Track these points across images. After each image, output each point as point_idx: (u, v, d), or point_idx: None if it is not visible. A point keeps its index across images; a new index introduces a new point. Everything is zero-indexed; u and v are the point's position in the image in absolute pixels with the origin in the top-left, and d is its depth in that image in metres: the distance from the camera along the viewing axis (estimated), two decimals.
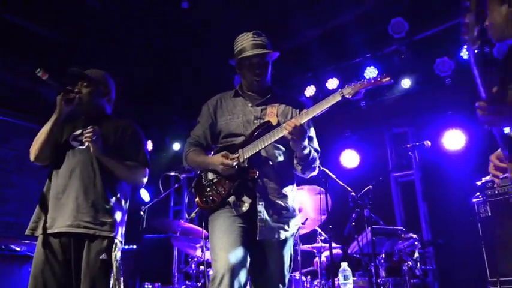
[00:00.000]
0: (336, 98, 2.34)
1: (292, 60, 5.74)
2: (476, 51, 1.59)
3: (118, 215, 2.61)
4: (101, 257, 2.46)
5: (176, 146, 7.47)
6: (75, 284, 2.44)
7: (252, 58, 2.57)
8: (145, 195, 7.46)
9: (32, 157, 2.70)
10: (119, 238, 2.59)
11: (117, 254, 2.54)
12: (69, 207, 2.51)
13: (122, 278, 2.54)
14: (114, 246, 2.53)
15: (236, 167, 2.42)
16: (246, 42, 2.59)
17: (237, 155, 2.45)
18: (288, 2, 5.08)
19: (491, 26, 1.96)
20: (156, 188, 7.26)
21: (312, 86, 6.24)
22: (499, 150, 1.96)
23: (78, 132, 2.71)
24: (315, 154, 2.58)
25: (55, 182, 2.62)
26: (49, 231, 2.51)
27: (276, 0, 5.05)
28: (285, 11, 5.25)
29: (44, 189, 2.67)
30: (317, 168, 2.68)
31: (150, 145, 7.68)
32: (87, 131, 2.52)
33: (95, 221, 2.50)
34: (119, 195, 2.68)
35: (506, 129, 1.89)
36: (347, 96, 2.32)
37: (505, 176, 1.97)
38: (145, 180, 2.81)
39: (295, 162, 2.57)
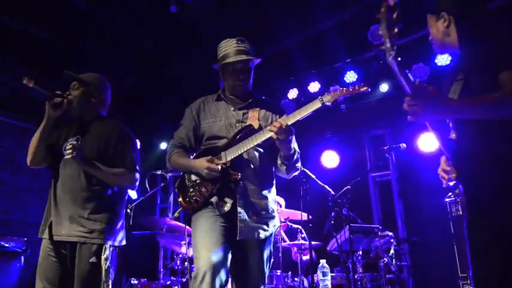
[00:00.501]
0: (316, 105, 2.35)
1: (276, 65, 5.75)
2: (394, 58, 1.61)
3: (109, 221, 2.59)
4: (90, 260, 2.47)
5: (163, 146, 7.45)
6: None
7: (236, 64, 2.57)
8: (132, 193, 7.41)
9: (27, 161, 2.70)
10: (109, 243, 2.57)
11: (107, 257, 2.54)
12: (64, 217, 2.54)
13: (110, 281, 2.54)
14: (103, 249, 2.53)
15: (218, 174, 2.41)
16: (229, 48, 2.58)
17: (222, 161, 2.43)
18: (272, 9, 5.09)
19: (432, 40, 2.09)
20: (143, 187, 7.22)
21: (295, 89, 6.27)
22: None
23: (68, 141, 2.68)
24: (298, 154, 2.59)
25: (53, 190, 2.63)
26: (46, 237, 2.56)
27: (260, 8, 5.06)
28: (269, 18, 5.26)
29: (48, 195, 2.68)
30: (299, 169, 2.69)
31: (138, 144, 7.61)
32: (67, 146, 2.49)
33: (86, 230, 2.51)
34: (110, 201, 2.65)
35: (453, 135, 1.95)
36: (327, 103, 2.34)
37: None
38: (134, 184, 2.74)
39: (279, 162, 2.57)
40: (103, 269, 2.50)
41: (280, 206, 4.80)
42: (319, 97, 2.36)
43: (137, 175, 2.74)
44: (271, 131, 2.32)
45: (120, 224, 2.68)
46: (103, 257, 2.52)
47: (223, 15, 5.21)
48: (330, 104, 2.33)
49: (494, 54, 1.79)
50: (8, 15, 5.13)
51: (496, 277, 1.73)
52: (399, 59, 1.61)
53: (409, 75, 1.67)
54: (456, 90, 1.91)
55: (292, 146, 2.47)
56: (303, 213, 4.31)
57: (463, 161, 1.90)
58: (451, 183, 1.99)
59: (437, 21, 2.02)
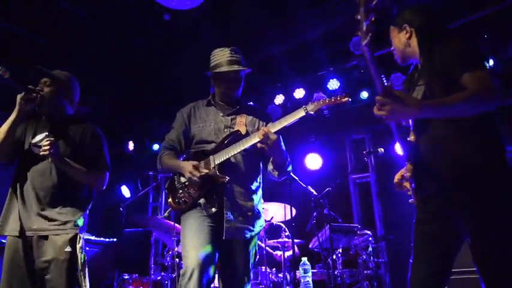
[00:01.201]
0: (300, 114, 2.37)
1: (263, 71, 5.77)
2: (368, 45, 1.60)
3: (81, 215, 2.51)
4: (65, 250, 2.37)
5: (155, 147, 7.42)
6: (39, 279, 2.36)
7: (229, 73, 2.59)
8: (126, 192, 7.38)
9: None
10: (82, 235, 2.49)
11: (82, 247, 2.45)
12: (33, 212, 2.43)
13: (86, 270, 2.43)
14: (78, 239, 2.44)
15: (198, 180, 2.41)
16: (223, 58, 2.60)
17: (206, 171, 2.43)
18: (259, 20, 5.11)
19: (394, 51, 2.14)
20: (137, 186, 7.19)
21: (281, 95, 6.28)
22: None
23: (38, 138, 2.55)
24: (289, 160, 2.60)
25: (20, 185, 2.49)
26: (16, 234, 2.40)
27: (249, 17, 5.08)
28: (256, 28, 5.28)
29: (10, 190, 2.53)
30: (290, 172, 2.69)
31: (131, 145, 7.60)
32: (44, 143, 2.38)
33: (59, 222, 2.42)
34: (81, 197, 2.57)
35: (411, 137, 2.01)
36: (310, 112, 2.36)
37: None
38: (104, 183, 2.65)
39: (270, 167, 2.58)
40: (79, 257, 2.39)
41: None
42: (303, 106, 2.38)
43: (107, 175, 2.67)
44: (259, 138, 2.34)
45: (86, 215, 2.61)
46: (78, 246, 2.42)
47: (213, 24, 5.21)
48: (313, 113, 2.36)
49: (454, 59, 1.84)
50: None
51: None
52: (373, 50, 1.60)
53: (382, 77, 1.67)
54: (418, 95, 1.97)
55: (284, 153, 2.48)
56: (287, 212, 4.33)
57: (418, 161, 1.95)
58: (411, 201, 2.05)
59: (400, 33, 2.08)
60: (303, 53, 5.64)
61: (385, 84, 1.69)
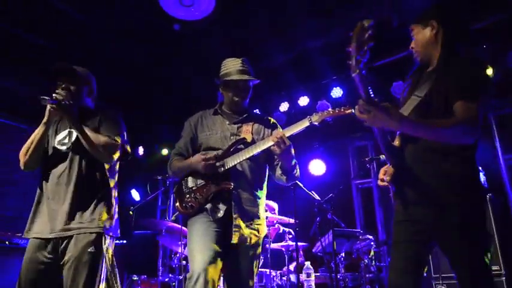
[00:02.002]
0: (304, 124, 2.38)
1: (268, 79, 5.78)
2: (358, 74, 1.62)
3: (106, 212, 2.39)
4: (89, 250, 2.24)
5: (164, 152, 7.45)
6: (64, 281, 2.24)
7: (239, 82, 2.61)
8: (136, 195, 7.40)
9: (21, 164, 2.49)
10: (110, 234, 2.38)
11: (108, 248, 2.32)
12: (60, 212, 2.33)
13: (116, 270, 2.33)
14: (104, 239, 2.31)
15: (217, 164, 2.43)
16: (234, 67, 2.61)
17: (214, 155, 2.45)
18: (264, 29, 5.13)
19: (416, 48, 2.08)
20: (146, 190, 7.21)
21: (286, 103, 6.28)
22: None
23: (61, 136, 2.49)
24: (297, 165, 2.59)
25: (45, 186, 2.42)
26: (42, 236, 2.32)
27: (254, 27, 5.10)
28: (262, 37, 5.30)
29: (37, 193, 2.45)
30: (298, 177, 2.65)
31: (141, 150, 7.63)
32: (61, 91, 2.31)
33: (84, 220, 2.30)
34: (105, 192, 2.45)
35: (396, 142, 2.02)
36: (314, 123, 2.37)
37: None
38: (112, 153, 2.43)
39: (279, 172, 2.57)
40: (106, 258, 2.27)
41: (274, 210, 4.80)
42: (308, 117, 2.39)
43: (118, 146, 2.46)
44: (272, 141, 2.34)
45: (115, 215, 2.48)
46: (104, 247, 2.30)
47: (220, 33, 5.24)
48: (317, 123, 2.36)
49: (460, 82, 1.84)
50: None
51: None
52: (363, 72, 1.61)
53: (370, 91, 1.69)
54: (411, 104, 1.97)
55: (293, 159, 2.47)
56: (291, 217, 4.32)
57: (400, 167, 1.96)
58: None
59: (425, 28, 2.04)
60: (307, 61, 5.65)
61: (371, 95, 1.69)
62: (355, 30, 1.59)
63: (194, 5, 4.74)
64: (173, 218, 3.95)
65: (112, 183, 2.53)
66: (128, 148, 2.60)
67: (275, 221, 4.71)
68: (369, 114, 1.70)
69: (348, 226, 4.81)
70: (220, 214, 2.42)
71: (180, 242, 4.53)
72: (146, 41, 5.53)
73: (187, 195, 2.53)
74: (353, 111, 2.31)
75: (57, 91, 2.36)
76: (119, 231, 2.52)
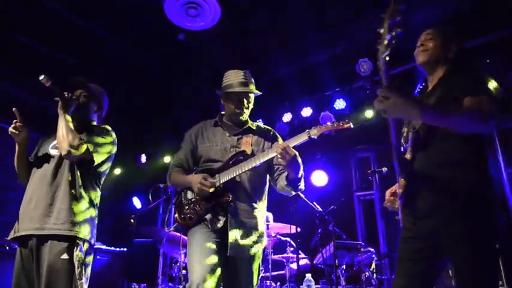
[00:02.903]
0: (303, 137, 2.35)
1: (272, 90, 5.80)
2: (384, 57, 1.59)
3: (82, 217, 2.36)
4: (62, 257, 2.23)
5: (167, 160, 7.44)
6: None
7: (241, 94, 2.59)
8: (137, 203, 7.36)
9: (20, 179, 2.59)
10: (82, 237, 2.31)
11: (79, 255, 2.27)
12: (36, 212, 2.32)
13: (83, 280, 2.24)
14: (76, 246, 2.28)
15: (211, 191, 2.40)
16: (236, 79, 2.60)
17: (215, 180, 2.42)
18: (269, 42, 5.16)
19: (427, 50, 2.05)
20: (148, 198, 7.17)
21: (289, 113, 6.28)
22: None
23: (55, 142, 2.50)
24: (303, 176, 2.53)
25: (29, 187, 2.46)
26: (17, 235, 2.35)
27: (259, 40, 5.13)
28: (267, 49, 5.33)
29: (24, 194, 2.47)
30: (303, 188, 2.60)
31: (144, 158, 7.62)
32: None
33: (58, 221, 2.28)
34: (86, 198, 2.42)
35: (408, 155, 1.97)
36: (313, 137, 2.34)
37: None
38: (72, 148, 2.33)
39: (284, 183, 2.50)
40: (76, 266, 2.23)
41: (268, 221, 4.76)
42: (307, 130, 2.36)
43: (83, 144, 2.38)
44: (276, 153, 2.30)
45: (93, 221, 2.46)
46: (75, 254, 2.26)
47: (225, 44, 5.27)
48: (315, 137, 2.33)
49: (465, 83, 1.87)
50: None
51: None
52: (387, 58, 1.59)
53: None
54: (417, 123, 1.97)
55: (300, 168, 2.42)
56: (292, 228, 4.27)
57: (412, 178, 1.92)
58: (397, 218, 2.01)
59: (443, 41, 2.04)
60: (311, 73, 5.67)
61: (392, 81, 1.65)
62: (388, 10, 1.57)
63: (200, 16, 4.77)
64: (172, 229, 3.94)
65: (95, 192, 2.54)
66: (95, 159, 2.49)
67: (273, 233, 4.67)
68: (388, 101, 1.62)
69: (349, 238, 4.76)
70: (220, 224, 2.41)
71: (180, 252, 4.49)
72: (151, 49, 5.56)
73: (187, 207, 2.51)
74: (351, 125, 2.31)
75: (63, 92, 2.46)
76: (94, 240, 2.45)
